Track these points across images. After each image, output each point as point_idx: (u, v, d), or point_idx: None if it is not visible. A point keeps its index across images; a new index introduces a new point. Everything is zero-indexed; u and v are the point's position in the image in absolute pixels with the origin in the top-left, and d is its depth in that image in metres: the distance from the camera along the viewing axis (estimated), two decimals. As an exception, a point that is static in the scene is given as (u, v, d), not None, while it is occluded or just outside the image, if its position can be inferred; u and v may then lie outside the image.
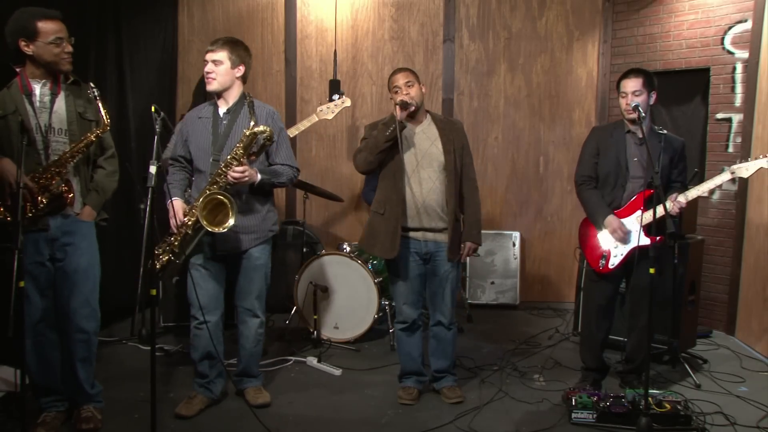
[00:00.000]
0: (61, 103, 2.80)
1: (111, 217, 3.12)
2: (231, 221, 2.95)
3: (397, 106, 3.15)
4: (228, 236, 3.07)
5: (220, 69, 3.10)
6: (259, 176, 3.07)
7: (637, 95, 3.32)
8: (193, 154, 3.15)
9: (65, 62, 2.77)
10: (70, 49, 2.77)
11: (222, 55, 3.09)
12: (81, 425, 2.92)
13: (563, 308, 5.30)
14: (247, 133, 2.98)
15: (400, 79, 3.27)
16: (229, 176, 2.97)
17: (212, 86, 3.12)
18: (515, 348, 4.32)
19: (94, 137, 2.79)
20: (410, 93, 3.22)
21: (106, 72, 4.50)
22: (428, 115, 3.39)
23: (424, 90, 3.34)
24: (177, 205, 3.06)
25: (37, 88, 2.77)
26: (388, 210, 3.27)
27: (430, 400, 3.44)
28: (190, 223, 3.01)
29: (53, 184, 2.72)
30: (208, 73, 3.11)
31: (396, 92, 3.26)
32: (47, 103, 2.78)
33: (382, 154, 3.22)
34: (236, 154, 2.98)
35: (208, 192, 2.98)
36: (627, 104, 3.33)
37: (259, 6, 5.44)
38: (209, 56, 3.10)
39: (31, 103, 2.75)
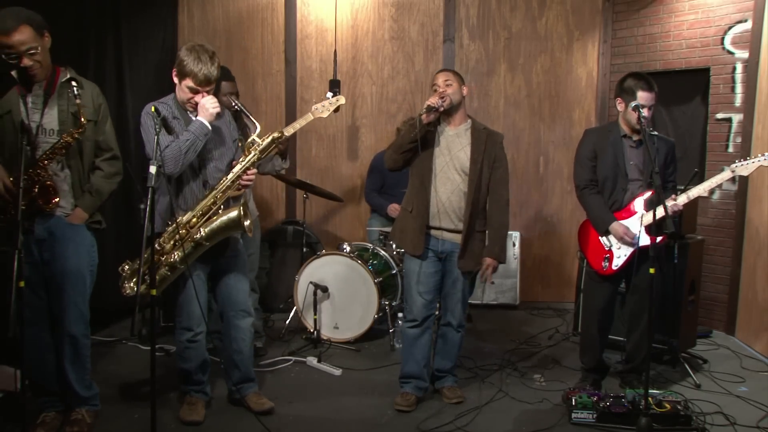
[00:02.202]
0: (53, 103, 2.77)
1: (110, 217, 3.08)
2: (248, 222, 3.02)
3: (424, 112, 3.12)
4: (229, 236, 3.06)
5: None
6: None
7: (650, 109, 3.31)
8: None
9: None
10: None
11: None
12: (66, 428, 2.89)
13: (563, 308, 5.30)
14: (268, 139, 3.05)
15: (440, 78, 3.28)
16: (243, 181, 3.00)
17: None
18: (515, 348, 4.32)
19: (71, 138, 2.72)
20: (447, 91, 3.21)
21: (105, 72, 4.50)
22: (469, 121, 3.36)
23: (465, 92, 3.32)
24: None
25: (33, 89, 2.75)
26: (415, 208, 3.30)
27: (430, 400, 3.44)
28: (204, 233, 2.93)
29: (33, 186, 2.68)
30: (196, 103, 2.98)
31: (435, 91, 3.26)
32: (39, 104, 2.76)
33: (407, 153, 3.24)
34: (258, 158, 3.02)
35: (218, 198, 2.98)
36: (644, 117, 3.23)
37: (259, 6, 5.44)
38: (197, 88, 2.95)
39: (25, 104, 2.74)
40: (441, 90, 3.22)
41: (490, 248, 3.32)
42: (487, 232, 3.35)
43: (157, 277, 2.91)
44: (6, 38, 2.59)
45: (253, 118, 3.15)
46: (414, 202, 3.30)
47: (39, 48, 2.66)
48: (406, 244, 3.34)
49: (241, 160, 3.04)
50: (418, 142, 3.13)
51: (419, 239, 3.27)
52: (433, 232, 3.31)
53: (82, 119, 2.73)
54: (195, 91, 2.95)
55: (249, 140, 3.11)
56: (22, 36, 2.61)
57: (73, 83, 2.73)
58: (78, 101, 2.72)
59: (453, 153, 3.28)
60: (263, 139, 3.08)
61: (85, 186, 2.89)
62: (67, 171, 2.82)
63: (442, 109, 3.19)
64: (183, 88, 2.97)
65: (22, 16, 2.63)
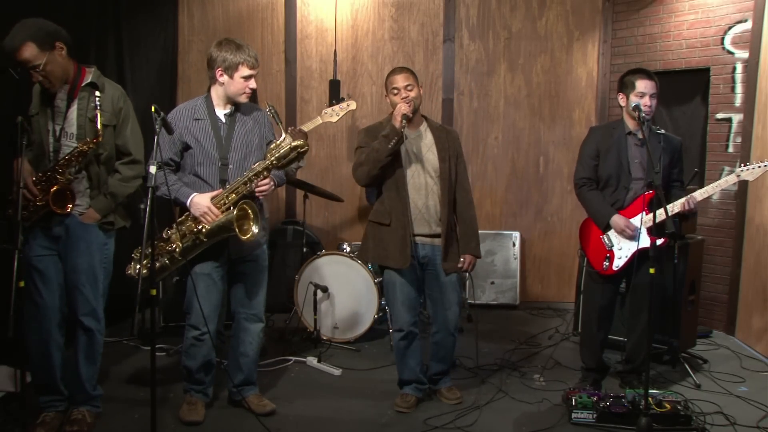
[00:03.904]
0: (74, 107, 2.81)
1: (126, 220, 3.09)
2: (255, 229, 2.98)
3: (398, 118, 3.05)
4: (241, 240, 3.05)
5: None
6: (274, 185, 3.07)
7: (653, 98, 3.31)
8: (196, 158, 3.04)
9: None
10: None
11: None
12: (66, 427, 2.90)
13: (563, 308, 5.30)
14: (286, 147, 2.92)
15: (400, 81, 3.17)
16: (256, 190, 2.96)
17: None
18: (515, 348, 4.32)
19: (86, 147, 2.74)
20: (410, 96, 3.14)
21: (106, 72, 4.42)
22: (424, 121, 3.33)
23: (422, 91, 3.25)
24: (204, 199, 2.94)
25: (58, 93, 2.80)
26: (394, 220, 3.20)
27: (430, 400, 3.44)
28: (204, 230, 2.93)
29: (52, 187, 2.72)
30: (251, 89, 3.06)
31: (395, 94, 3.17)
32: (62, 108, 2.80)
33: (385, 167, 3.15)
34: (271, 164, 2.94)
35: (227, 200, 2.96)
36: (647, 105, 3.27)
37: (259, 6, 5.44)
38: (252, 72, 3.02)
39: (52, 107, 2.80)
40: (404, 95, 3.14)
41: (465, 244, 3.29)
42: (458, 228, 3.31)
43: (157, 264, 2.92)
44: (13, 56, 2.66)
45: (281, 127, 3.05)
46: (392, 214, 3.20)
47: (43, 64, 2.67)
48: (389, 259, 3.22)
49: (256, 165, 2.99)
50: (399, 151, 3.09)
51: (402, 252, 3.17)
52: (413, 238, 3.24)
53: (99, 129, 2.74)
54: (249, 77, 3.02)
55: (271, 146, 3.03)
56: (26, 54, 2.65)
57: (97, 93, 2.76)
58: (97, 110, 2.73)
59: (421, 156, 3.23)
60: (283, 146, 2.98)
61: (102, 188, 2.91)
62: (84, 173, 2.86)
63: (411, 116, 3.11)
64: (237, 80, 3.00)
65: (27, 33, 2.65)
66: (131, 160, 2.97)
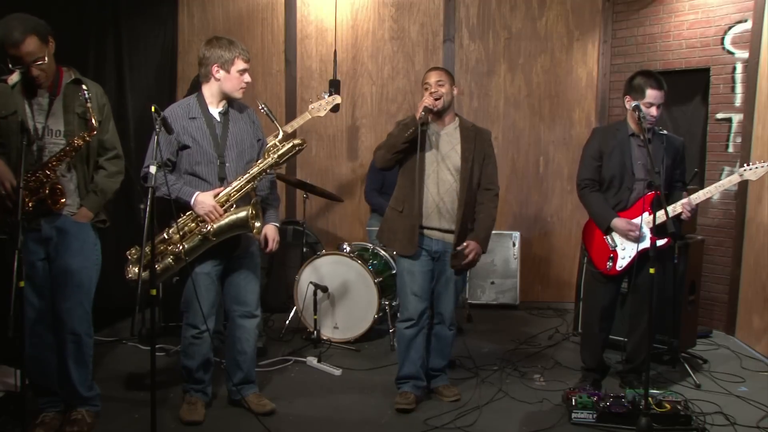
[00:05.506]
0: (59, 104, 2.78)
1: (110, 217, 3.07)
2: (258, 224, 3.01)
3: (419, 108, 3.13)
4: (242, 236, 3.05)
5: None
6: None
7: (660, 108, 3.32)
8: (194, 157, 3.03)
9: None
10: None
11: None
12: (66, 428, 2.90)
13: (563, 308, 5.30)
14: (288, 146, 3.03)
15: (432, 77, 3.25)
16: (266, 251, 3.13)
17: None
18: (515, 348, 4.32)
19: (82, 141, 2.72)
20: (438, 92, 3.20)
21: (105, 72, 4.50)
22: (457, 119, 3.36)
23: (456, 92, 3.32)
24: (208, 198, 2.95)
25: (38, 91, 2.75)
26: (406, 208, 3.26)
27: (428, 399, 3.44)
28: (213, 229, 2.93)
29: (42, 187, 2.69)
30: (246, 83, 3.10)
31: (426, 89, 3.25)
32: (45, 105, 2.76)
33: (400, 153, 3.22)
34: (274, 162, 3.03)
35: (231, 198, 2.99)
36: (653, 116, 3.30)
37: (259, 6, 5.44)
38: (246, 66, 3.07)
39: (30, 105, 2.74)
40: (433, 90, 3.21)
41: (476, 234, 3.31)
42: (476, 221, 3.34)
43: (160, 265, 2.94)
44: (15, 50, 2.59)
45: (277, 124, 3.14)
46: (405, 202, 3.27)
47: (45, 57, 2.65)
48: (396, 244, 3.32)
49: (259, 162, 3.05)
50: (415, 141, 3.12)
51: (410, 239, 3.24)
52: (426, 231, 3.29)
53: (93, 122, 2.72)
54: (244, 71, 3.05)
55: (270, 144, 3.12)
56: (29, 47, 2.60)
57: (84, 87, 2.72)
58: (88, 104, 2.71)
59: (444, 153, 3.27)
60: (283, 145, 3.05)
61: (89, 185, 2.89)
62: (73, 171, 2.84)
63: (435, 110, 3.19)
64: (234, 74, 3.04)
65: (28, 26, 2.60)
66: (115, 155, 2.96)
